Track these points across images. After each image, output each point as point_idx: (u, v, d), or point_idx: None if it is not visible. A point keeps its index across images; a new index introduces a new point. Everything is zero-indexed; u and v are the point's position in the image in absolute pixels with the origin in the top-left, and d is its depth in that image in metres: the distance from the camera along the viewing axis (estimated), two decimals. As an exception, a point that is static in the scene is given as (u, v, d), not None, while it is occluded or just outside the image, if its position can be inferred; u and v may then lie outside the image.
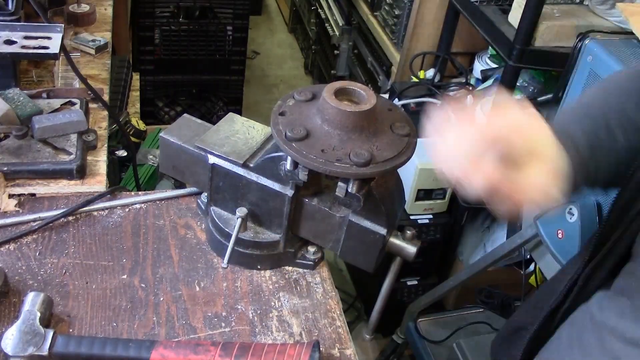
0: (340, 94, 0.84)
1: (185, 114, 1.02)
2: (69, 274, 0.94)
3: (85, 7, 1.66)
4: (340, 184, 0.84)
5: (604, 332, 0.81)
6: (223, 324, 0.89)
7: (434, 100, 2.08)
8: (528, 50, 1.65)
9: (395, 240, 0.90)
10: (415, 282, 2.17)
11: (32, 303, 0.83)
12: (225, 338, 0.88)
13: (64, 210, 1.01)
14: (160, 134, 0.98)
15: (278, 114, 0.85)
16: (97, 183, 1.12)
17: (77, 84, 1.35)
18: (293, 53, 4.10)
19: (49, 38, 1.21)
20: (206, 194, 1.01)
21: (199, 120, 1.01)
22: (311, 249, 0.98)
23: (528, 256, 1.64)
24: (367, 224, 0.88)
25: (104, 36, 1.60)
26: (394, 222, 0.92)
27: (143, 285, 0.93)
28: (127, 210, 1.05)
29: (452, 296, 2.22)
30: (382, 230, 0.88)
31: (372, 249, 0.89)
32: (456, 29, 2.17)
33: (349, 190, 0.84)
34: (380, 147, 0.82)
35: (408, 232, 0.90)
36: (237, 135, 0.96)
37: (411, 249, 0.89)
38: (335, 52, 3.08)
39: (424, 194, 1.95)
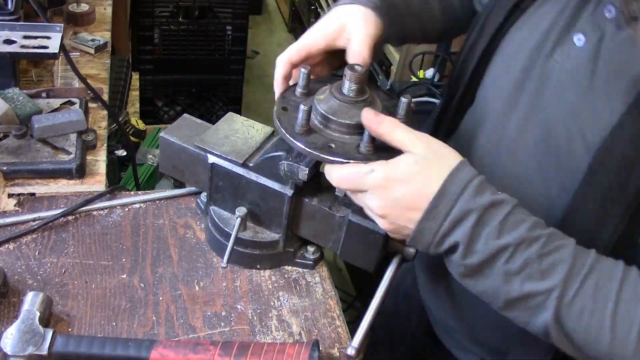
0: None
1: (185, 114, 1.02)
2: (69, 273, 0.94)
3: (84, 7, 1.66)
4: None
5: None
6: (222, 324, 0.89)
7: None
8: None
9: (396, 240, 0.90)
10: (415, 282, 2.17)
11: (31, 302, 0.83)
12: (225, 337, 0.88)
13: (64, 209, 1.01)
14: (160, 134, 0.98)
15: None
16: (97, 183, 1.12)
17: (76, 83, 1.35)
18: (292, 53, 4.09)
19: (48, 38, 1.21)
20: (205, 194, 1.01)
21: (198, 120, 1.01)
22: (310, 248, 0.98)
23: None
24: (367, 223, 0.88)
25: (104, 36, 1.60)
26: None
27: (142, 284, 0.93)
28: (126, 209, 1.05)
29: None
30: (382, 230, 0.87)
31: (372, 248, 0.89)
32: (456, 28, 2.17)
33: None
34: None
35: None
36: (236, 135, 0.96)
37: (411, 249, 0.89)
38: (335, 51, 3.07)
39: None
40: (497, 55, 0.92)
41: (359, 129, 0.82)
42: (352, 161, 0.79)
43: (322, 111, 0.83)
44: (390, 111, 0.88)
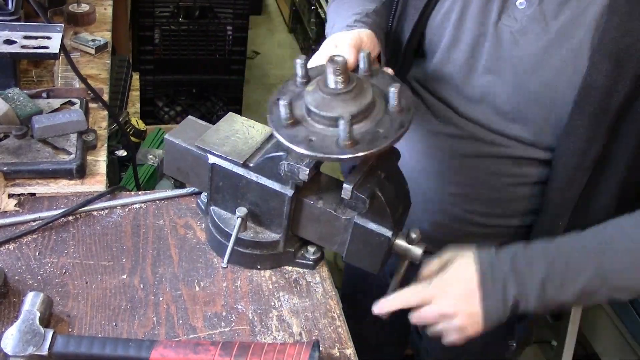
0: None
1: (190, 116, 1.02)
2: (69, 273, 0.94)
3: (85, 7, 1.66)
4: (345, 185, 0.84)
5: None
6: (223, 324, 0.89)
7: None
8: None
9: (401, 242, 0.89)
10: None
11: (31, 303, 0.83)
12: (225, 338, 0.88)
13: (64, 210, 1.01)
14: (166, 136, 0.98)
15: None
16: (97, 183, 1.12)
17: (77, 83, 1.35)
18: (293, 53, 4.09)
19: (48, 38, 1.21)
20: (206, 194, 1.01)
21: (203, 122, 1.01)
22: (311, 248, 0.98)
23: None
24: (372, 226, 0.88)
25: (104, 36, 1.60)
26: (400, 224, 0.92)
27: (143, 285, 0.93)
28: (127, 210, 1.05)
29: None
30: (388, 233, 0.87)
31: (378, 251, 0.89)
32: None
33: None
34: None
35: (414, 234, 0.89)
36: (237, 135, 0.96)
37: (417, 251, 0.89)
38: (335, 51, 3.07)
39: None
40: (431, 19, 1.05)
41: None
42: (336, 156, 0.80)
43: (306, 103, 0.83)
44: (387, 98, 0.86)
